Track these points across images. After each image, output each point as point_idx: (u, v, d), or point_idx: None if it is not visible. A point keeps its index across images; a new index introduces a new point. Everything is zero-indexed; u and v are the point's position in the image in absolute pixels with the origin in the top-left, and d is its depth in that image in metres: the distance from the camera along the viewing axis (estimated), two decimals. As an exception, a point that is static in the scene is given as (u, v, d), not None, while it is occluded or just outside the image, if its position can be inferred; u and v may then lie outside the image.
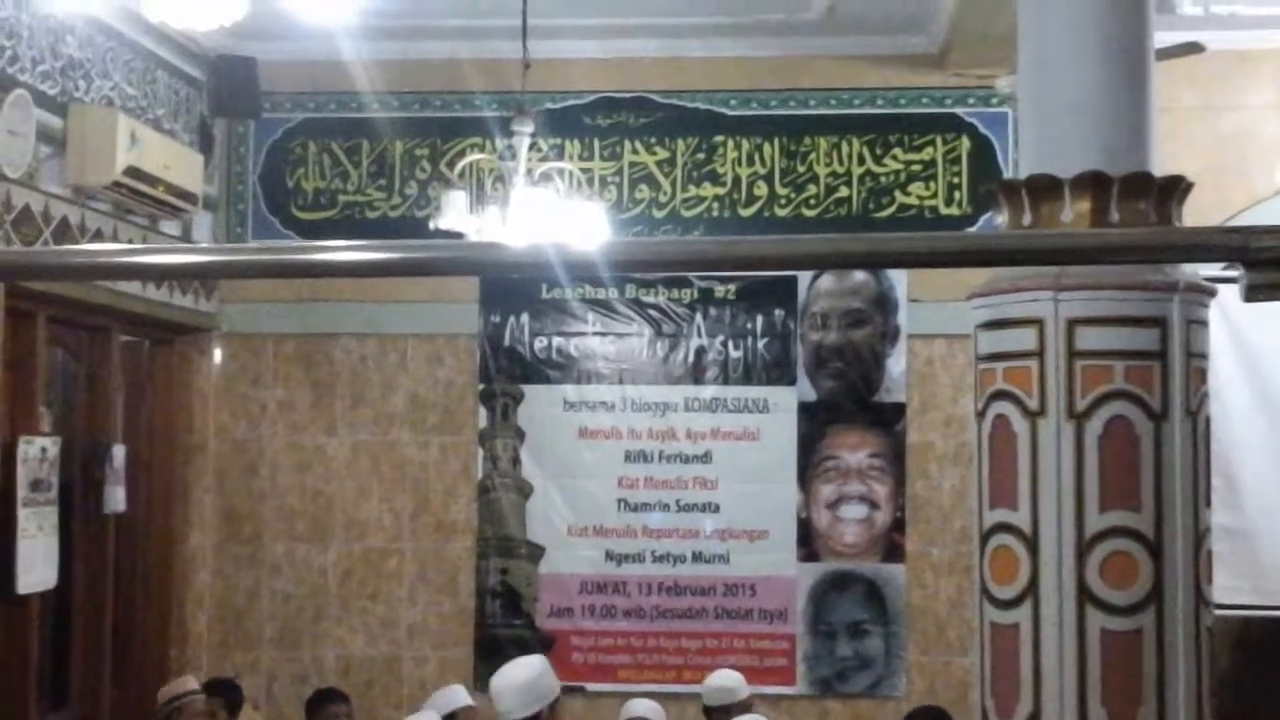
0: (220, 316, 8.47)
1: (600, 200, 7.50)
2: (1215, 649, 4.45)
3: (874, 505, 8.15)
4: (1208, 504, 4.40)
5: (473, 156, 7.35)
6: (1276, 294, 1.53)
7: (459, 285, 8.27)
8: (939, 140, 8.29)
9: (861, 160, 8.35)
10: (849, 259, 2.47)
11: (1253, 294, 1.59)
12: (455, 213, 6.55)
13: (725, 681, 6.75)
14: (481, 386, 8.37)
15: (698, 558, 8.17)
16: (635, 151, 8.45)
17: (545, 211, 6.57)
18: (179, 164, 7.43)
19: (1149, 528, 4.21)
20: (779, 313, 8.26)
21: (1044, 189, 4.40)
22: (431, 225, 6.58)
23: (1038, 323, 4.39)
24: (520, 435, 8.30)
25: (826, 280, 8.27)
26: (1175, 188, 4.41)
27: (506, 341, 8.37)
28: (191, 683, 7.02)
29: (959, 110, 8.28)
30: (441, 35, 8.28)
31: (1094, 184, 4.34)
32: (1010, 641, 4.27)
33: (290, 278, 6.60)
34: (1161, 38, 5.14)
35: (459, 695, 6.70)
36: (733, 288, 8.29)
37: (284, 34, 7.82)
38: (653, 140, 8.43)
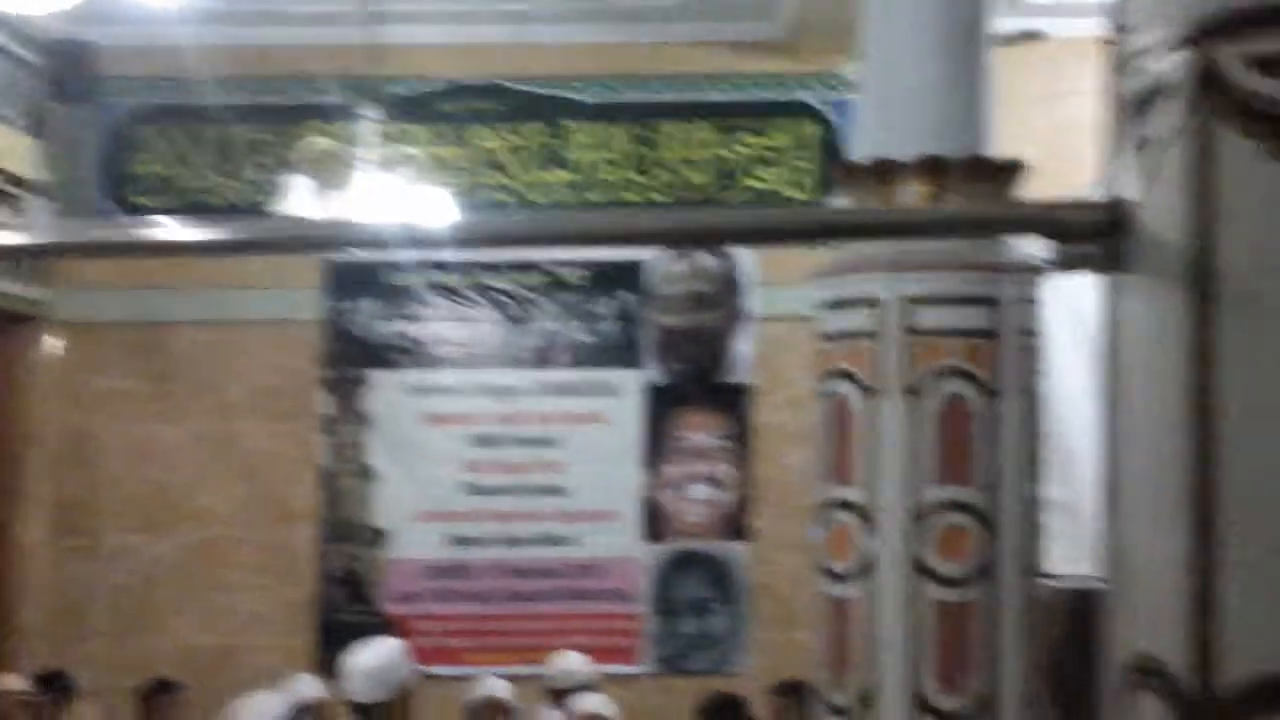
0: (54, 304, 8.26)
1: (449, 186, 7.45)
2: (1054, 619, 4.56)
3: (721, 486, 8.22)
4: (1041, 479, 4.51)
5: (315, 140, 7.25)
6: (1087, 266, 1.57)
7: (301, 270, 8.17)
8: (788, 126, 8.37)
9: (711, 146, 8.40)
10: (688, 234, 2.49)
11: (1065, 266, 1.63)
12: (297, 197, 6.46)
13: (569, 663, 6.77)
14: (325, 373, 8.28)
15: (545, 540, 8.20)
16: (486, 137, 8.41)
17: (392, 197, 6.50)
18: (13, 150, 7.24)
19: (982, 502, 4.30)
20: (627, 296, 8.30)
21: (884, 172, 4.47)
22: (272, 209, 6.49)
23: (876, 302, 4.46)
24: (365, 421, 8.24)
25: (674, 264, 8.32)
26: (1012, 171, 4.51)
27: (350, 327, 8.29)
28: (8, 681, 6.83)
29: (807, 96, 8.37)
30: (289, 20, 8.17)
31: (932, 167, 4.43)
32: (846, 615, 4.33)
33: (126, 256, 6.45)
34: (1003, 24, 5.24)
35: (310, 685, 6.62)
36: (580, 272, 8.30)
37: (126, 18, 7.64)
38: (503, 126, 8.40)
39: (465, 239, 2.68)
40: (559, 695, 6.46)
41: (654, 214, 5.87)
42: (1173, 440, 1.33)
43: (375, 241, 2.34)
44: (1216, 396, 1.30)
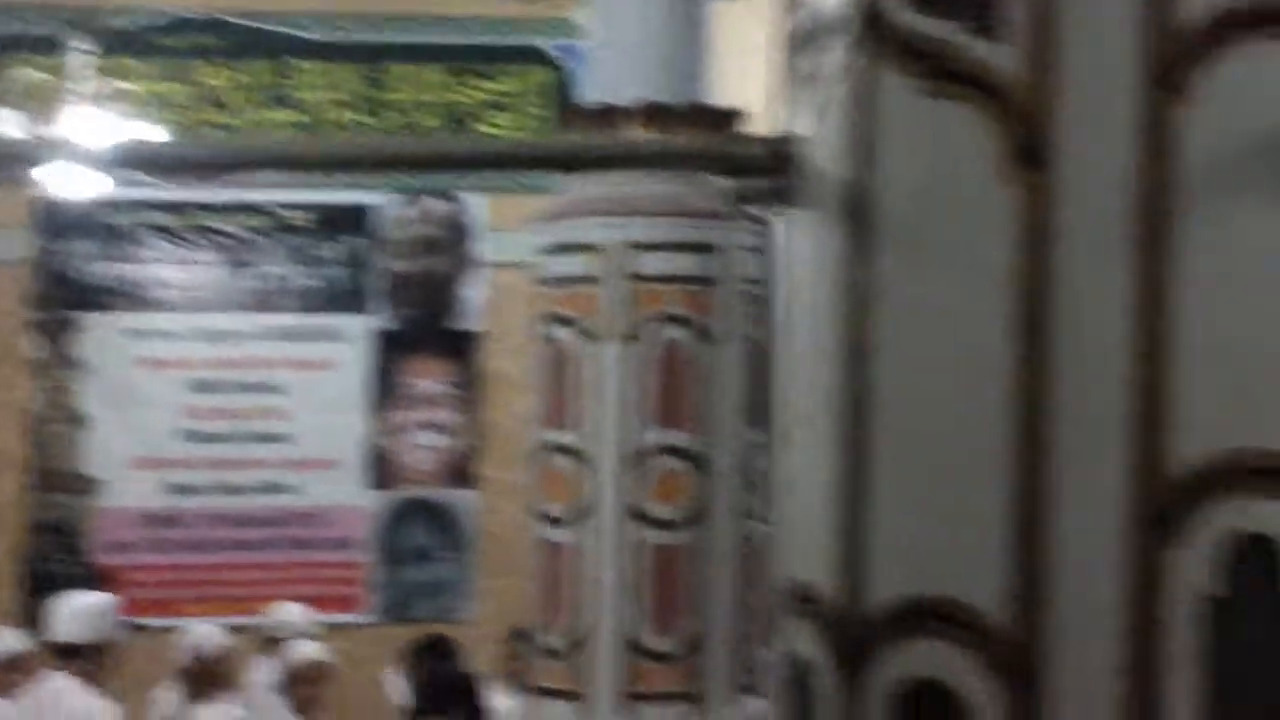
0: None
1: (169, 125, 7.22)
2: (770, 560, 4.66)
3: (448, 433, 8.20)
4: (757, 424, 4.60)
5: (25, 73, 6.93)
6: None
7: (8, 209, 7.80)
8: (520, 72, 8.33)
9: (442, 90, 8.30)
10: (371, 161, 2.44)
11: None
12: (4, 130, 6.20)
13: (287, 613, 6.71)
14: (35, 315, 7.95)
15: (266, 488, 8.06)
16: (208, 74, 8.15)
17: (107, 134, 6.28)
18: None
19: (698, 446, 4.38)
20: (354, 240, 8.18)
21: (607, 117, 4.51)
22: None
23: (596, 247, 4.50)
24: (77, 365, 7.96)
25: (404, 208, 8.23)
26: (732, 118, 4.58)
27: (63, 268, 7.98)
28: None
29: (541, 42, 8.33)
30: (0, -57, 7.75)
31: (654, 113, 4.47)
32: (561, 559, 4.37)
33: None
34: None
35: (10, 638, 6.37)
36: (306, 214, 8.14)
37: None
38: (226, 63, 8.15)
39: (162, 161, 2.58)
40: (278, 645, 6.37)
41: (350, 141, 5.71)
42: (829, 375, 1.35)
43: (70, 157, 2.25)
44: (871, 333, 1.32)
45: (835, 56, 1.37)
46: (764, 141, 1.48)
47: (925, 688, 1.26)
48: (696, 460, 4.41)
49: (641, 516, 4.37)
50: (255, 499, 8.06)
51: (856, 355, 1.32)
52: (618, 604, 4.34)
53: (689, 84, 4.65)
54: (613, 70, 4.69)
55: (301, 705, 5.84)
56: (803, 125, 1.44)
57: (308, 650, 5.95)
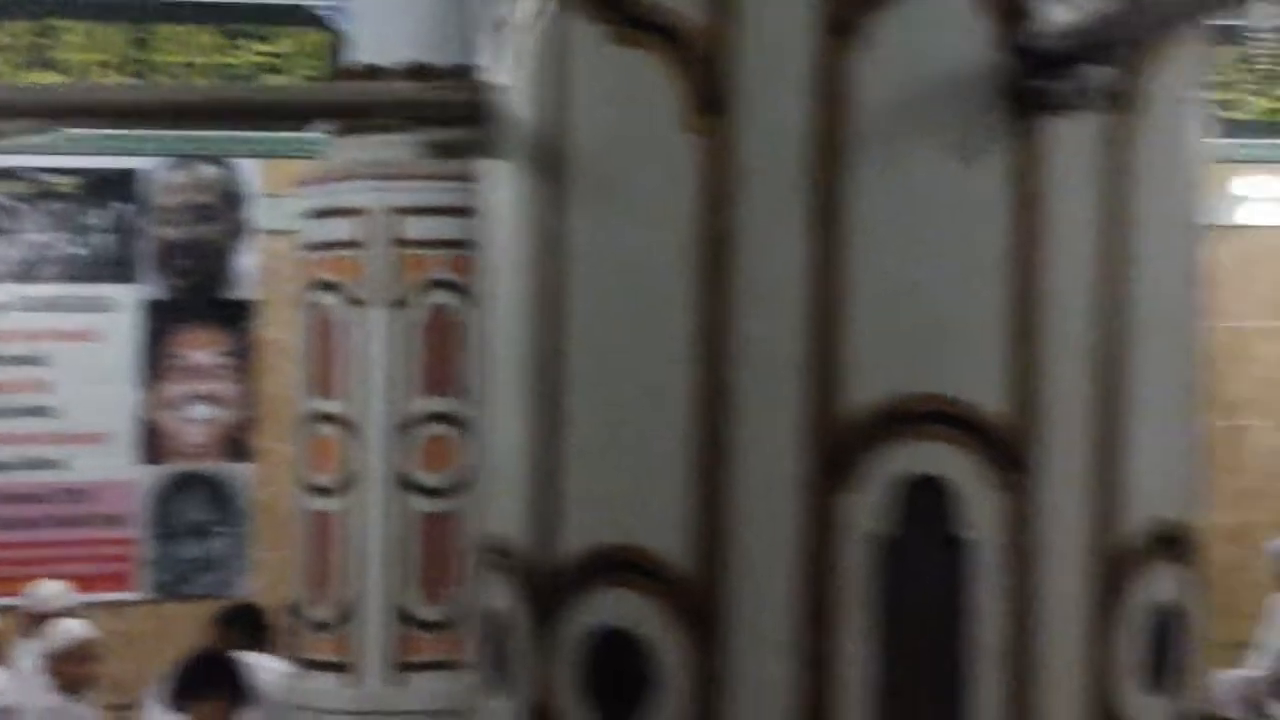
0: None
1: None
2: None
3: (221, 404, 8.03)
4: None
5: None
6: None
7: None
8: (293, 33, 8.17)
9: (214, 51, 8.09)
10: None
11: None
12: None
13: (46, 590, 6.51)
14: None
15: (31, 464, 7.80)
16: (-38, 32, 7.82)
17: None
18: None
19: (467, 412, 4.34)
20: (122, 207, 7.93)
21: (372, 78, 4.45)
22: None
23: (362, 212, 4.43)
24: None
25: (173, 174, 8.02)
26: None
27: None
28: None
29: (312, 2, 8.16)
30: None
31: (418, 74, 4.42)
32: (328, 529, 4.30)
33: None
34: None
35: None
36: (71, 180, 7.87)
37: None
38: (-18, 21, 7.83)
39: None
40: (38, 623, 6.18)
41: (87, 88, 5.44)
42: (526, 330, 1.34)
43: None
44: (563, 282, 1.31)
45: (528, 3, 1.36)
46: (462, 90, 1.46)
47: (613, 636, 1.25)
48: (465, 426, 4.38)
49: (410, 484, 4.33)
50: (21, 475, 7.79)
51: (549, 306, 1.31)
52: (386, 573, 4.29)
53: (457, 44, 4.60)
54: (380, 31, 4.64)
55: (67, 684, 5.67)
56: (501, 73, 1.42)
57: (72, 629, 5.78)
